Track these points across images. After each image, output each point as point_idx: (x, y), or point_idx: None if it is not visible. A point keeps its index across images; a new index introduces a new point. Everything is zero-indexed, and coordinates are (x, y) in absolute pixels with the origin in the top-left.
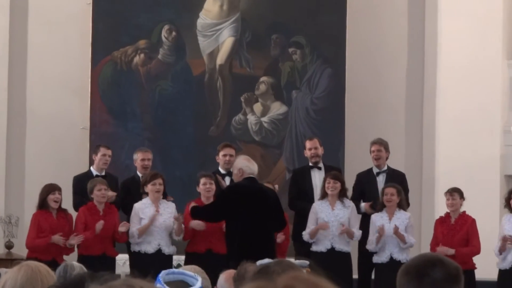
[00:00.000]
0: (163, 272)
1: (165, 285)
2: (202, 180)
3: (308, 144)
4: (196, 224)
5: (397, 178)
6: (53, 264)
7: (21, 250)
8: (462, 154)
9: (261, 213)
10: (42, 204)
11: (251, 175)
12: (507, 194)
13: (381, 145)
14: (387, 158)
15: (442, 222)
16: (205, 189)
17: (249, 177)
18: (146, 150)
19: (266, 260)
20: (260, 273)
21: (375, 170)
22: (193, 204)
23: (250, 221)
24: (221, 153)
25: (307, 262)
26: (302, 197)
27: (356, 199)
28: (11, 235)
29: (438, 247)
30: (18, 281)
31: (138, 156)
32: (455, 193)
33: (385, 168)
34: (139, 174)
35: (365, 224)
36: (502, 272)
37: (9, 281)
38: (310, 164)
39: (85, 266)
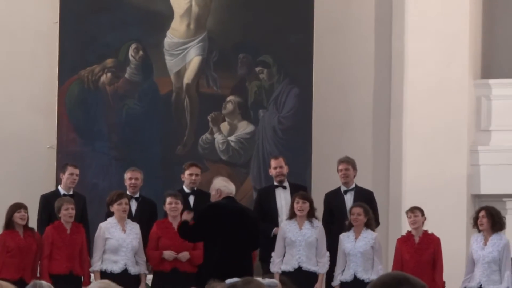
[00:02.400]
0: None
1: None
2: (168, 200)
3: (273, 163)
4: (169, 255)
5: (365, 197)
6: (20, 283)
7: None
8: (429, 173)
9: (240, 232)
10: (8, 224)
11: (230, 195)
12: (475, 214)
13: (349, 163)
14: (354, 176)
15: (405, 241)
16: (171, 208)
17: (228, 196)
18: (134, 170)
19: (234, 279)
20: None
21: (343, 189)
22: (185, 216)
23: (228, 240)
24: (186, 172)
25: (276, 282)
26: (266, 217)
27: (326, 219)
28: None
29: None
30: None
31: (127, 175)
32: (416, 210)
33: (353, 186)
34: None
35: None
36: None
37: None
38: (275, 183)
39: (53, 284)
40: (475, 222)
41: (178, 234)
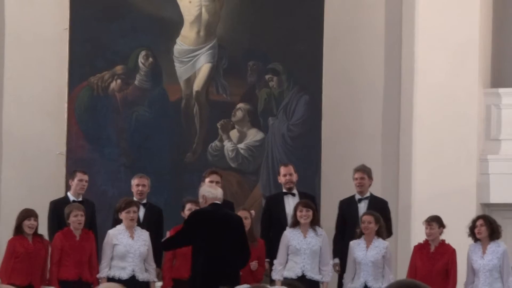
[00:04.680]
0: None
1: None
2: (188, 206)
3: (282, 170)
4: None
5: (379, 206)
6: None
7: None
8: (439, 182)
9: (223, 238)
10: (18, 229)
11: (216, 201)
12: (471, 223)
13: (364, 172)
14: (370, 185)
15: (420, 249)
16: None
17: (214, 203)
18: (141, 176)
19: (244, 286)
20: None
21: (357, 197)
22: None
23: (212, 246)
24: (207, 180)
25: None
26: (274, 224)
27: (339, 226)
28: None
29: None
30: None
31: (134, 182)
32: (433, 223)
33: (368, 195)
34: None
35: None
36: None
37: None
38: (284, 190)
39: None
40: (472, 231)
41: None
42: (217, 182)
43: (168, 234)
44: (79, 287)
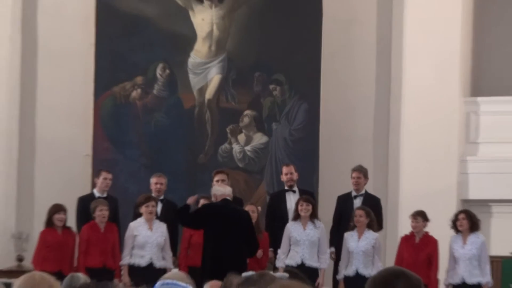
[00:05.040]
0: (159, 283)
1: None
2: (201, 201)
3: (284, 169)
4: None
5: (372, 202)
6: (60, 275)
7: (30, 263)
8: (423, 181)
9: (230, 230)
10: (49, 222)
11: (225, 196)
12: (453, 217)
13: (361, 172)
14: (365, 184)
15: (407, 240)
16: None
17: (223, 198)
18: (159, 175)
19: (250, 272)
20: (245, 283)
21: (353, 194)
22: (190, 200)
23: (220, 235)
24: (215, 178)
25: (286, 275)
26: (277, 217)
27: (335, 219)
28: (21, 250)
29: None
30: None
31: (152, 180)
32: (418, 217)
33: (363, 192)
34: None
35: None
36: (454, 287)
37: None
38: (286, 187)
39: (88, 277)
40: (454, 224)
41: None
42: (223, 180)
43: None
44: (103, 273)
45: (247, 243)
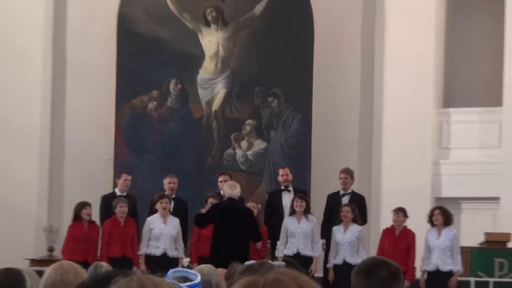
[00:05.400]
0: (171, 270)
1: (172, 279)
2: (210, 200)
3: (281, 171)
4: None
5: (358, 200)
6: (85, 264)
7: (60, 253)
8: (402, 181)
9: (234, 225)
10: (76, 218)
11: (231, 196)
12: (430, 212)
13: (348, 173)
14: (351, 184)
15: (388, 232)
16: None
17: (229, 197)
18: (172, 176)
19: (251, 261)
20: (247, 271)
21: (341, 192)
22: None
23: (226, 229)
24: (219, 179)
25: (283, 264)
26: (274, 213)
27: (326, 214)
28: (52, 242)
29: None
30: (54, 276)
31: (166, 181)
32: (399, 212)
33: (350, 191)
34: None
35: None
36: (429, 274)
37: (47, 276)
38: (282, 187)
39: (110, 265)
40: (430, 219)
41: (195, 224)
42: (225, 181)
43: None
44: (123, 262)
45: (251, 234)
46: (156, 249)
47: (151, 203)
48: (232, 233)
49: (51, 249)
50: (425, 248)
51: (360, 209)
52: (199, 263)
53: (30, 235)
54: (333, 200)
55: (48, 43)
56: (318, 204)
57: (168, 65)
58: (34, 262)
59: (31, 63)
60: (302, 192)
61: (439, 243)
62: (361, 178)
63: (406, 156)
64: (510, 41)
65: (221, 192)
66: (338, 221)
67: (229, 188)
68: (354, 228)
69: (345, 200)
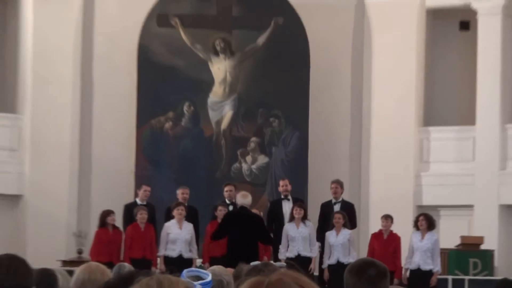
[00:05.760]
0: (185, 270)
1: (186, 278)
2: (219, 207)
3: (281, 182)
4: None
5: (348, 207)
6: (110, 265)
7: (88, 255)
8: (388, 190)
9: (246, 230)
10: (102, 224)
11: (243, 205)
12: (415, 218)
13: (338, 184)
14: (342, 193)
15: (376, 237)
16: (220, 214)
17: (241, 206)
18: (185, 187)
19: (256, 262)
20: (252, 271)
21: (333, 201)
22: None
23: (238, 235)
24: (224, 189)
25: (284, 264)
26: (275, 220)
27: (320, 220)
28: (81, 245)
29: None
30: (82, 275)
31: (179, 191)
32: (388, 218)
33: (340, 199)
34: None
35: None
36: (411, 271)
37: (76, 275)
38: (282, 196)
39: (132, 266)
40: (415, 223)
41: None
42: (230, 191)
43: (208, 227)
44: (143, 263)
45: (263, 238)
46: (173, 251)
47: (167, 211)
48: (244, 238)
49: (80, 252)
50: (409, 249)
51: (350, 215)
52: (210, 263)
53: (61, 239)
54: (326, 208)
55: (77, 71)
56: (314, 211)
57: (182, 90)
58: (65, 263)
59: (63, 88)
60: (300, 201)
61: (421, 245)
62: (351, 188)
63: (391, 168)
64: (482, 67)
65: (226, 200)
66: (331, 227)
67: (242, 198)
68: (345, 232)
69: (336, 207)
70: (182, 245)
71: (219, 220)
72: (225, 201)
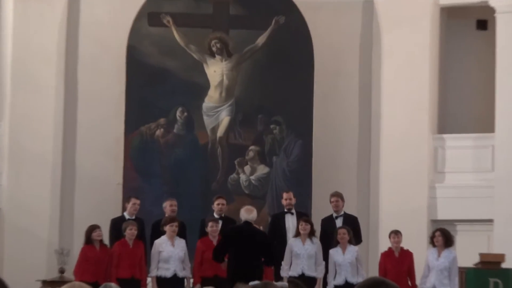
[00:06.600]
0: None
1: None
2: (210, 224)
3: (285, 195)
4: None
5: (351, 221)
6: (95, 285)
7: (70, 274)
8: (399, 203)
9: (249, 247)
10: (88, 240)
11: (247, 220)
12: (431, 233)
13: (338, 196)
14: (343, 206)
15: (388, 255)
16: (212, 230)
17: (245, 221)
18: (172, 199)
19: (256, 282)
20: None
21: (334, 215)
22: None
23: (240, 252)
24: (215, 202)
25: (286, 284)
26: (277, 236)
27: (322, 238)
28: (63, 263)
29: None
30: None
31: (167, 203)
32: (399, 234)
33: (342, 213)
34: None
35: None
36: None
37: None
38: (285, 210)
39: (119, 286)
40: (431, 240)
41: (213, 260)
42: (222, 204)
43: (199, 244)
44: (132, 283)
45: (266, 257)
46: (166, 271)
47: (154, 226)
48: (246, 254)
49: (62, 271)
50: (424, 267)
51: (354, 230)
52: (202, 284)
53: (42, 257)
54: (327, 223)
55: (61, 74)
56: (318, 227)
57: (175, 94)
58: (46, 283)
59: (45, 93)
60: (305, 215)
61: (438, 263)
62: (360, 201)
63: (403, 180)
64: (501, 70)
65: (215, 214)
66: (334, 243)
67: (246, 212)
68: (352, 249)
69: (338, 222)
70: (176, 264)
71: (210, 237)
72: (213, 216)
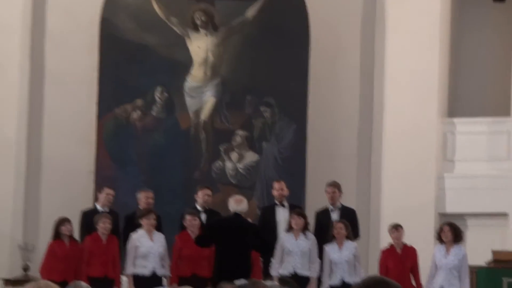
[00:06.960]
0: None
1: None
2: (188, 217)
3: (276, 185)
4: None
5: (348, 214)
6: (64, 284)
7: (35, 272)
8: (404, 195)
9: (238, 242)
10: (56, 235)
11: (237, 211)
12: (438, 229)
13: (335, 186)
14: (340, 197)
15: (389, 252)
16: (191, 224)
17: (235, 213)
18: (148, 191)
19: (243, 281)
20: None
21: (330, 208)
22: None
23: (228, 248)
24: (200, 193)
25: (277, 284)
26: (267, 230)
27: (316, 232)
28: (27, 260)
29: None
30: None
31: (142, 195)
32: (399, 228)
33: (339, 205)
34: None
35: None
36: None
37: None
38: (276, 202)
39: (90, 286)
40: (439, 235)
41: (196, 245)
42: (209, 195)
43: (177, 240)
44: (104, 283)
45: (262, 249)
46: (144, 269)
47: (128, 219)
48: (236, 250)
49: (26, 268)
50: (431, 265)
51: (352, 223)
52: (179, 284)
53: (4, 253)
54: (322, 217)
55: (26, 50)
56: (313, 221)
57: (154, 72)
58: (8, 282)
59: (7, 71)
60: (298, 208)
61: (446, 262)
62: (359, 193)
63: (407, 169)
64: None
65: (198, 207)
66: (330, 238)
67: (236, 203)
68: (350, 245)
69: (334, 215)
70: (156, 260)
71: (188, 231)
72: (195, 208)
